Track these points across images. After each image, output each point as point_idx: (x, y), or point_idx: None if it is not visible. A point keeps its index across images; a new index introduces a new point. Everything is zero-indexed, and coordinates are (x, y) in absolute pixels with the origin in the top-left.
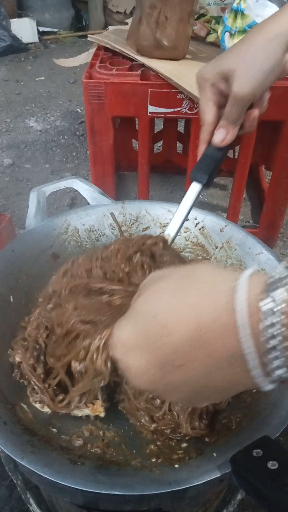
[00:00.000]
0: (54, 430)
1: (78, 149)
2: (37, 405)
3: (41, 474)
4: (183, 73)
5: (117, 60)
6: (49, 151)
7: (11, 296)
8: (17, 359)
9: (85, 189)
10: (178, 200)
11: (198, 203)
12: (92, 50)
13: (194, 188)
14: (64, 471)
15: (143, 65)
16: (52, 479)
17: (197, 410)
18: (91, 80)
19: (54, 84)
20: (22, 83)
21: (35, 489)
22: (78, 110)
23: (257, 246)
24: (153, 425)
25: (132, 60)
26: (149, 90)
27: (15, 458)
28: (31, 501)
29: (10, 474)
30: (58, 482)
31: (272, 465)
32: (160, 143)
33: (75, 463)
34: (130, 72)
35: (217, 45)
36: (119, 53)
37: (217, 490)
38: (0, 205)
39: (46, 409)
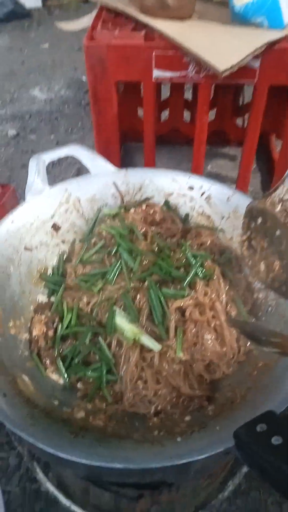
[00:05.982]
0: (56, 402)
1: (83, 120)
2: (54, 376)
3: (40, 446)
4: (189, 34)
5: (120, 21)
6: (54, 122)
7: (11, 267)
8: (35, 332)
9: (87, 156)
10: (185, 171)
11: (206, 174)
12: (95, 12)
13: None
14: (64, 444)
15: (147, 25)
16: (51, 452)
17: (191, 372)
18: (92, 43)
19: (58, 52)
20: (25, 51)
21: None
22: (83, 79)
23: None
24: (152, 408)
25: (136, 20)
26: (153, 52)
27: (13, 431)
28: (38, 470)
29: (16, 444)
30: (57, 454)
31: (276, 440)
32: (167, 112)
33: (76, 436)
34: (134, 33)
35: (225, 5)
36: (122, 14)
37: (223, 463)
38: (5, 177)
39: (62, 381)
